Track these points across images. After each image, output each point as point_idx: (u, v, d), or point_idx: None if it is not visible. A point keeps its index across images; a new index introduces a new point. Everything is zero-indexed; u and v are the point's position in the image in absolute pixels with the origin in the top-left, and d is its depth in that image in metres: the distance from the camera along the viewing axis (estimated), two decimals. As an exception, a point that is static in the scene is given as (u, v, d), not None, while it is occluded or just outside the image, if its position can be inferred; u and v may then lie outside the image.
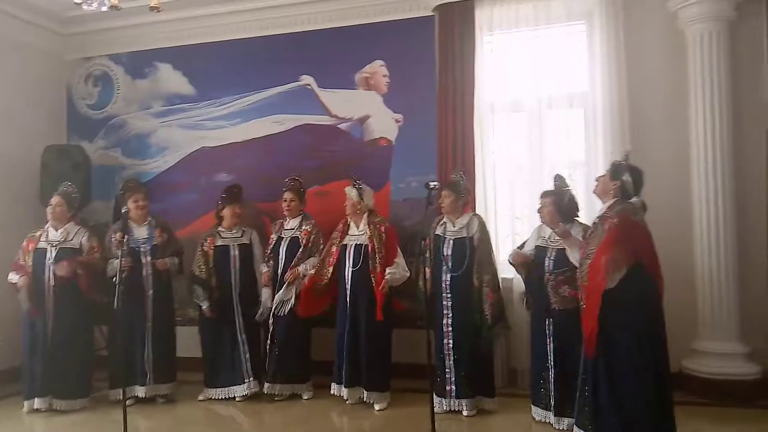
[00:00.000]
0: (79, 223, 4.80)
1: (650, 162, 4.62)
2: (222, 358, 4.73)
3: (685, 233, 4.55)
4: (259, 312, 4.75)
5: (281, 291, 4.66)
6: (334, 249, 4.59)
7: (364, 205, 4.58)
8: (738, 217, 4.49)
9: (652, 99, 4.74)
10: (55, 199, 4.62)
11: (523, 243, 4.25)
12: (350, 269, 4.49)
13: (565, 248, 3.84)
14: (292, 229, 4.81)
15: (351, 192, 4.58)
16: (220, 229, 4.87)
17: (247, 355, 4.71)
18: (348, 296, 4.48)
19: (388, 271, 4.35)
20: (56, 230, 4.59)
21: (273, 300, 4.69)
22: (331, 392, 4.54)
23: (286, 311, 4.64)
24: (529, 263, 4.08)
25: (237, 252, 4.81)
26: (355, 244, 4.52)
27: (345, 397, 4.47)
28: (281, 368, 4.64)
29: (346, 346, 4.44)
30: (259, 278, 4.84)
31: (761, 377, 4.38)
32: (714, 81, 4.45)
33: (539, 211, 4.04)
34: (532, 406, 4.05)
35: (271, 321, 4.68)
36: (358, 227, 4.58)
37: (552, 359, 3.88)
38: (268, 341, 4.68)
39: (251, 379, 4.69)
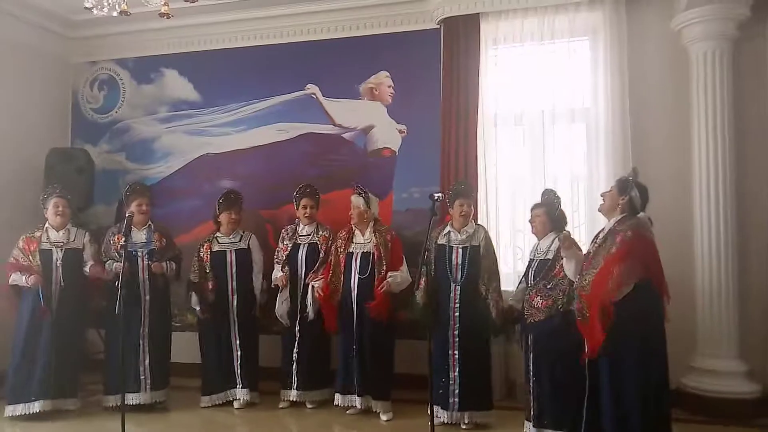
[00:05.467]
0: (76, 224, 4.79)
1: (652, 178, 4.62)
2: (217, 364, 4.72)
3: (686, 250, 4.56)
4: (282, 316, 4.71)
5: (310, 297, 4.65)
6: (341, 257, 4.59)
7: (370, 214, 4.60)
8: (739, 235, 4.51)
9: (654, 115, 4.77)
10: (60, 201, 4.59)
11: (522, 277, 4.22)
12: (357, 277, 4.49)
13: (546, 260, 3.88)
14: (309, 235, 4.81)
15: (357, 200, 4.58)
16: (217, 234, 4.86)
17: (240, 362, 4.69)
18: (354, 304, 4.48)
19: (390, 274, 4.39)
20: (58, 231, 4.59)
21: (288, 303, 4.69)
22: (335, 403, 4.54)
23: (312, 317, 4.66)
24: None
25: (234, 257, 4.78)
26: (362, 252, 4.53)
27: (356, 405, 4.46)
28: (311, 376, 4.66)
29: (355, 355, 4.43)
30: (257, 283, 4.81)
31: (760, 396, 4.38)
32: (717, 98, 4.47)
33: (531, 221, 4.08)
34: (525, 421, 4.03)
35: (297, 328, 4.68)
36: (363, 235, 4.59)
37: (531, 371, 3.88)
38: (296, 348, 4.67)
39: (241, 387, 4.69)
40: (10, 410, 4.37)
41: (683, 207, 4.61)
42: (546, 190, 4.20)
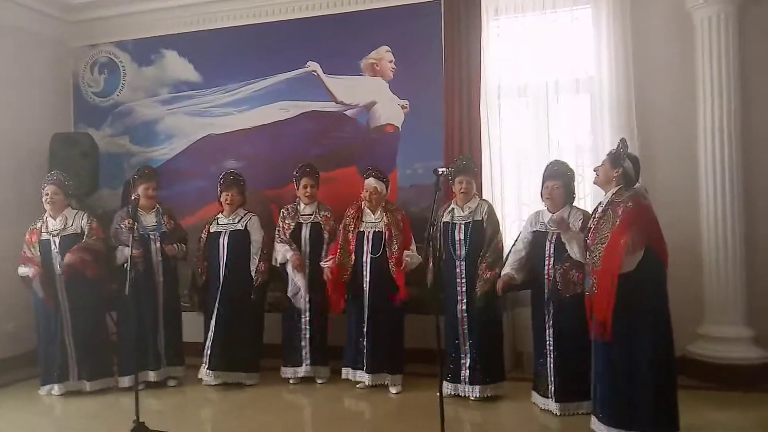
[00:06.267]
0: (75, 207, 4.81)
1: (658, 146, 4.66)
2: (207, 343, 4.74)
3: (692, 218, 4.55)
4: (299, 296, 4.72)
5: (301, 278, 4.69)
6: (351, 236, 4.60)
7: (385, 195, 4.66)
8: (745, 202, 4.49)
9: (659, 83, 4.73)
10: (51, 189, 4.58)
11: (517, 239, 4.20)
12: (369, 256, 4.52)
13: None
14: (311, 214, 4.82)
15: (379, 185, 4.59)
16: (219, 215, 4.89)
17: (212, 343, 4.64)
18: (368, 282, 4.52)
19: (406, 253, 4.43)
20: (55, 219, 4.60)
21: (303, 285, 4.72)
22: (344, 377, 4.60)
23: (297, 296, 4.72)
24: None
25: (225, 239, 4.76)
26: (374, 231, 4.55)
27: (368, 383, 4.51)
28: (320, 351, 4.74)
29: (369, 332, 4.48)
30: (253, 265, 4.76)
31: (766, 361, 4.40)
32: (722, 64, 4.42)
33: (550, 194, 3.98)
34: (533, 392, 4.08)
35: (308, 307, 4.72)
36: (374, 214, 4.60)
37: (552, 345, 3.89)
38: (306, 326, 4.72)
39: (206, 368, 4.67)
40: (42, 391, 4.60)
41: (689, 174, 4.59)
42: (555, 161, 4.15)
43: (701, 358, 4.45)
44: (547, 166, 4.11)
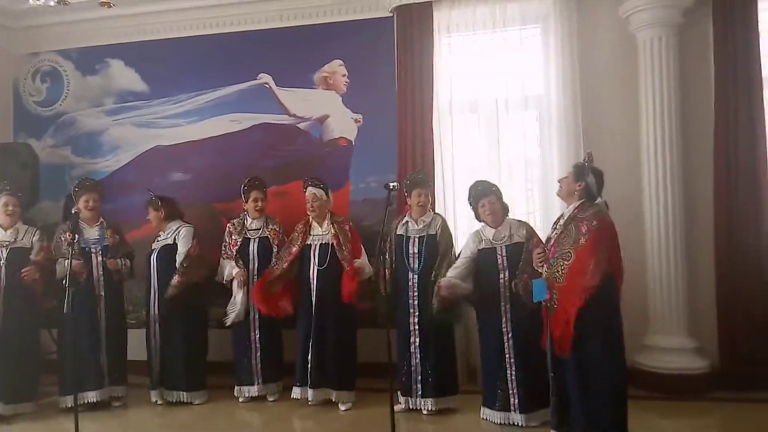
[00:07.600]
0: (26, 222, 4.64)
1: (602, 162, 4.67)
2: (150, 362, 4.63)
3: (636, 233, 4.66)
4: (234, 313, 4.61)
5: (240, 297, 4.58)
6: (294, 249, 4.53)
7: (330, 204, 4.60)
8: (687, 217, 4.64)
9: (604, 101, 4.87)
10: (8, 200, 4.46)
11: (457, 255, 4.18)
12: (316, 268, 4.45)
13: (513, 244, 3.92)
14: (259, 229, 4.73)
15: (319, 192, 4.53)
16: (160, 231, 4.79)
17: (159, 360, 4.56)
18: (314, 296, 4.44)
19: (358, 261, 4.38)
20: (5, 230, 4.44)
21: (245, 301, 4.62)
22: (293, 396, 4.49)
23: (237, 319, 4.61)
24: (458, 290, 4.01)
25: (156, 255, 4.65)
26: (321, 243, 4.49)
27: (309, 399, 4.42)
28: (270, 368, 4.63)
29: (313, 346, 4.40)
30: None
31: (709, 371, 4.53)
32: (663, 84, 4.59)
33: (491, 210, 4.03)
34: (485, 408, 4.03)
35: (257, 325, 4.60)
36: (321, 227, 4.55)
37: (513, 358, 3.89)
38: (255, 344, 4.61)
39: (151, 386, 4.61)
40: None
41: (633, 189, 4.70)
42: (479, 181, 4.21)
43: (647, 368, 4.55)
44: (474, 187, 4.17)
